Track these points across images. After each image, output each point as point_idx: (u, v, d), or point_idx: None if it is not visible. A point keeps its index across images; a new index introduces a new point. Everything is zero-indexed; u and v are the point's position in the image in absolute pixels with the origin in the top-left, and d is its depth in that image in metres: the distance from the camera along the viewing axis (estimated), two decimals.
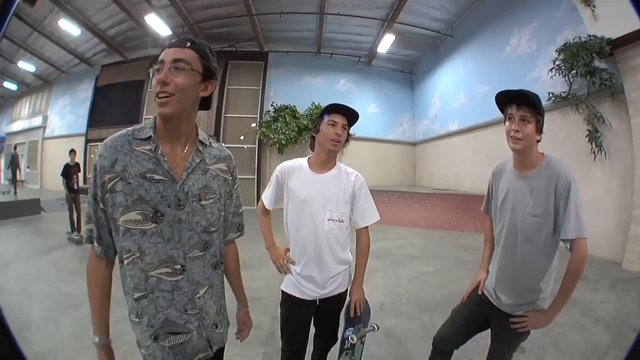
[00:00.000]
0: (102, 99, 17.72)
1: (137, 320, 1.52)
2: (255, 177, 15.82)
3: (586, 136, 7.42)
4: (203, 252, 1.60)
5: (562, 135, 8.00)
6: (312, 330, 2.61)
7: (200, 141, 1.61)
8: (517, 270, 2.18)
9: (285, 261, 2.46)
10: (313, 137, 2.48)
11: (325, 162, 2.44)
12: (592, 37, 7.28)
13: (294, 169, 2.47)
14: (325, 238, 2.36)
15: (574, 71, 7.57)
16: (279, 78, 16.64)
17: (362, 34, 15.12)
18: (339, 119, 2.35)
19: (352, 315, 2.49)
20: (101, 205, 1.47)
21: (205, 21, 14.43)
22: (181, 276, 1.51)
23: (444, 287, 5.55)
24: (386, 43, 14.27)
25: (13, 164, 16.80)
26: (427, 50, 15.86)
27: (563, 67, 7.87)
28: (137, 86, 16.78)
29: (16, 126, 23.55)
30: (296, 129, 15.20)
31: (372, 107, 17.41)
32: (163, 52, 1.46)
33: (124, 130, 1.50)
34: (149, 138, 1.48)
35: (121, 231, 1.45)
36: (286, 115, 15.47)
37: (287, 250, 2.49)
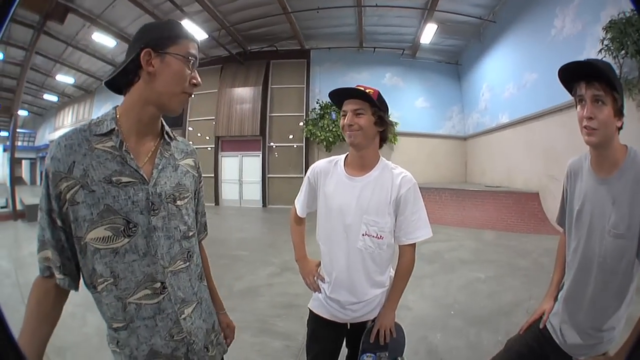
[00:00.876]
0: None
1: (118, 350, 1.30)
2: (303, 175, 15.53)
3: None
4: (187, 263, 1.38)
5: None
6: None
7: (166, 133, 1.39)
8: (587, 304, 1.67)
9: (315, 278, 2.11)
10: None
11: (358, 160, 1.99)
12: (636, 13, 6.56)
13: (328, 170, 2.06)
14: (360, 256, 1.94)
15: (624, 51, 6.89)
16: (323, 75, 16.49)
17: (403, 25, 14.66)
18: (348, 106, 1.89)
19: (371, 341, 2.02)
20: (59, 223, 1.20)
21: (241, 23, 14.41)
22: (162, 296, 1.28)
23: (495, 297, 5.13)
24: (429, 33, 13.71)
25: None
26: (470, 38, 15.21)
27: (612, 47, 7.15)
28: None
29: (59, 134, 24.63)
30: None
31: (420, 101, 16.99)
32: (195, 49, 1.34)
33: (79, 125, 1.24)
34: (110, 132, 1.22)
35: (90, 252, 1.20)
36: (333, 112, 15.24)
37: (319, 264, 2.14)
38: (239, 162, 16.90)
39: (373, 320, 2.05)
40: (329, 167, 2.07)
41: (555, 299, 1.92)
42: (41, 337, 1.20)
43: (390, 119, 1.98)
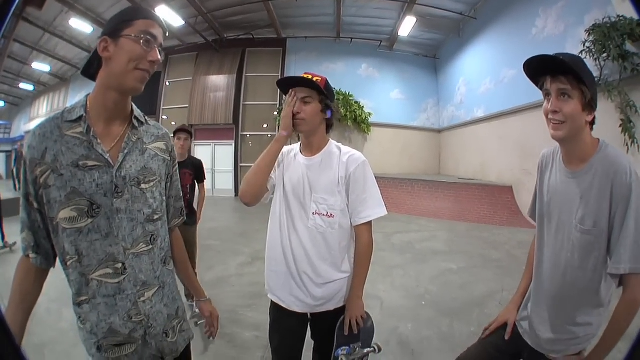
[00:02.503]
0: None
1: (82, 326, 1.35)
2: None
3: (619, 126, 6.82)
4: (150, 246, 1.41)
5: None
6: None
7: (135, 117, 1.42)
8: (557, 298, 1.63)
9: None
10: None
11: (308, 145, 2.02)
12: (621, 18, 6.71)
13: (286, 154, 2.08)
14: (311, 236, 1.92)
15: (606, 54, 6.99)
16: (298, 64, 16.33)
17: (382, 17, 14.63)
18: (295, 94, 1.91)
19: (346, 334, 1.98)
20: (35, 205, 1.28)
21: (218, 9, 14.19)
22: (123, 276, 1.33)
23: (467, 288, 5.15)
24: (407, 26, 13.76)
25: (17, 160, 15.77)
26: (450, 33, 15.31)
27: (594, 50, 7.24)
28: (154, 78, 16.58)
29: (34, 124, 23.91)
30: None
31: (395, 93, 17.04)
32: (152, 27, 1.31)
33: (53, 114, 1.30)
34: (79, 119, 1.28)
35: (60, 231, 1.27)
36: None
37: None
38: (212, 150, 16.72)
39: (343, 309, 2.01)
40: (287, 151, 2.09)
41: (519, 307, 1.88)
42: (24, 311, 1.31)
43: (339, 106, 1.97)
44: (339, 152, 2.00)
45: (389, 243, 7.66)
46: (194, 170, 4.51)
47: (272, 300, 2.09)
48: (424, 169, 16.61)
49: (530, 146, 9.60)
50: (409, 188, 11.77)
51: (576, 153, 1.53)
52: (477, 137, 13.36)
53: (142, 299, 1.37)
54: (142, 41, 1.27)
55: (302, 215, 1.94)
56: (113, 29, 1.28)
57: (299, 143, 2.09)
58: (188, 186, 4.40)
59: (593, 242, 1.47)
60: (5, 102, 26.28)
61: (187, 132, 4.43)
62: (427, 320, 4.15)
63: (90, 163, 1.26)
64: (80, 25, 14.16)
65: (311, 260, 1.93)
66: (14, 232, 9.25)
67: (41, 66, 19.33)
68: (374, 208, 1.95)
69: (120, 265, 1.31)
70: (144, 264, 1.38)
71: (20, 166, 1.33)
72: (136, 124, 1.40)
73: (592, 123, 1.49)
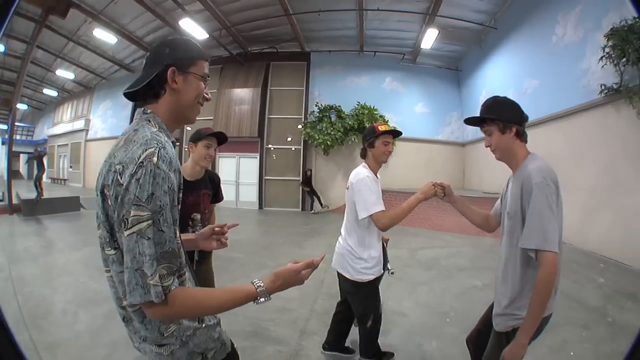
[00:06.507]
0: None
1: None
2: (300, 178, 15.88)
3: None
4: None
5: (617, 132, 7.26)
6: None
7: None
8: (501, 276, 2.15)
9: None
10: (365, 149, 3.19)
11: (379, 169, 3.23)
12: (637, 20, 6.54)
13: (373, 177, 3.10)
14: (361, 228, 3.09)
15: (625, 58, 6.83)
16: (322, 78, 16.53)
17: (404, 30, 14.65)
18: (391, 140, 3.14)
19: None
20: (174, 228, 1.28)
21: (242, 23, 14.40)
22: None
23: None
24: (429, 38, 13.68)
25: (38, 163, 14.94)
26: (471, 44, 15.21)
27: (613, 55, 7.10)
28: None
29: (58, 129, 25.00)
30: (342, 130, 15.01)
31: (419, 107, 16.98)
32: (207, 68, 1.46)
33: (165, 134, 1.35)
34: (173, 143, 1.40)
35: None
36: (331, 116, 15.24)
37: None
38: (236, 163, 16.89)
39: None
40: (371, 175, 3.16)
41: None
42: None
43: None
44: None
45: (414, 259, 7.62)
46: (213, 189, 3.48)
47: (370, 281, 3.05)
48: (449, 184, 16.14)
49: (555, 157, 9.37)
50: (433, 203, 11.29)
51: (512, 164, 2.15)
52: None
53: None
54: (206, 82, 1.43)
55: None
56: (181, 64, 1.35)
57: (367, 169, 3.16)
58: (207, 212, 3.44)
59: (513, 225, 2.03)
60: (28, 106, 27.09)
61: (220, 139, 3.29)
62: (452, 338, 4.09)
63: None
64: (104, 36, 14.52)
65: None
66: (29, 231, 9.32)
67: (65, 73, 19.88)
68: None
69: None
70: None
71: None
72: None
73: (519, 134, 2.09)
